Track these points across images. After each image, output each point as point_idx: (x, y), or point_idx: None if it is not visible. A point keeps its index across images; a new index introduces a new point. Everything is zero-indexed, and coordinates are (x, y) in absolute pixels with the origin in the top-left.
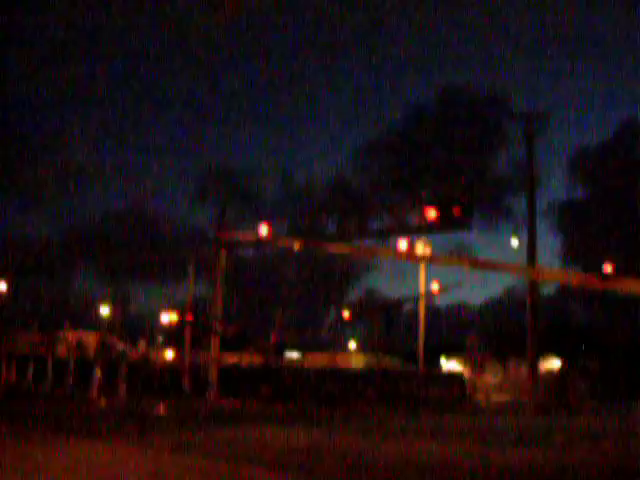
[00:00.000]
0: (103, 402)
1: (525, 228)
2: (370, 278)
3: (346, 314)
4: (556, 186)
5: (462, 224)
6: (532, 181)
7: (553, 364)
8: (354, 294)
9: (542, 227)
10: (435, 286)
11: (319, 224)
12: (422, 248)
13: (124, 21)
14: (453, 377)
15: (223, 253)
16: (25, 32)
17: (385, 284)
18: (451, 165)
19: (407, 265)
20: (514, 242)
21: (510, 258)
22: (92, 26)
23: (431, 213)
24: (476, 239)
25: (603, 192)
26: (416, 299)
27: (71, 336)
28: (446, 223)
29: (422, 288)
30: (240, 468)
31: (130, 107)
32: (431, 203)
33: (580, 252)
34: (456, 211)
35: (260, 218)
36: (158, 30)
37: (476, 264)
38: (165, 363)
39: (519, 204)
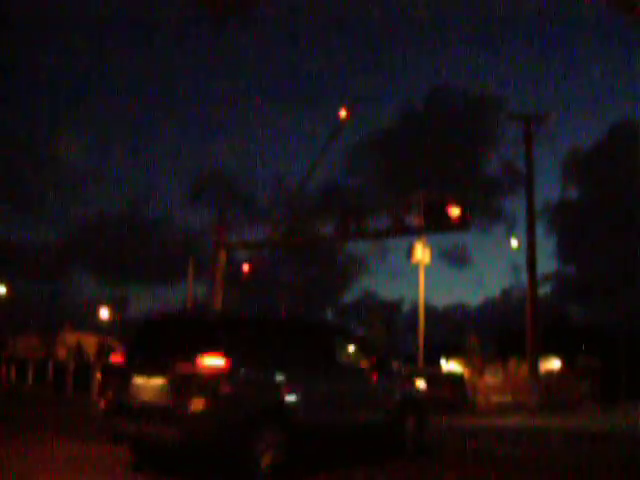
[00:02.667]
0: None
1: (517, 229)
2: (367, 279)
3: None
4: (549, 187)
5: (463, 225)
6: (531, 182)
7: (553, 364)
8: (351, 296)
9: (537, 228)
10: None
11: (316, 225)
12: (420, 250)
13: (123, 25)
14: (453, 378)
15: (222, 254)
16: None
17: (383, 285)
18: (447, 166)
19: (405, 266)
20: (513, 242)
21: (504, 258)
22: (90, 31)
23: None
24: (470, 240)
25: (596, 193)
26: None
27: (71, 339)
28: (447, 224)
29: (421, 288)
30: None
31: (128, 110)
32: (431, 204)
33: (575, 251)
34: (457, 212)
35: (256, 220)
36: (157, 34)
37: None
38: None
39: (511, 205)
